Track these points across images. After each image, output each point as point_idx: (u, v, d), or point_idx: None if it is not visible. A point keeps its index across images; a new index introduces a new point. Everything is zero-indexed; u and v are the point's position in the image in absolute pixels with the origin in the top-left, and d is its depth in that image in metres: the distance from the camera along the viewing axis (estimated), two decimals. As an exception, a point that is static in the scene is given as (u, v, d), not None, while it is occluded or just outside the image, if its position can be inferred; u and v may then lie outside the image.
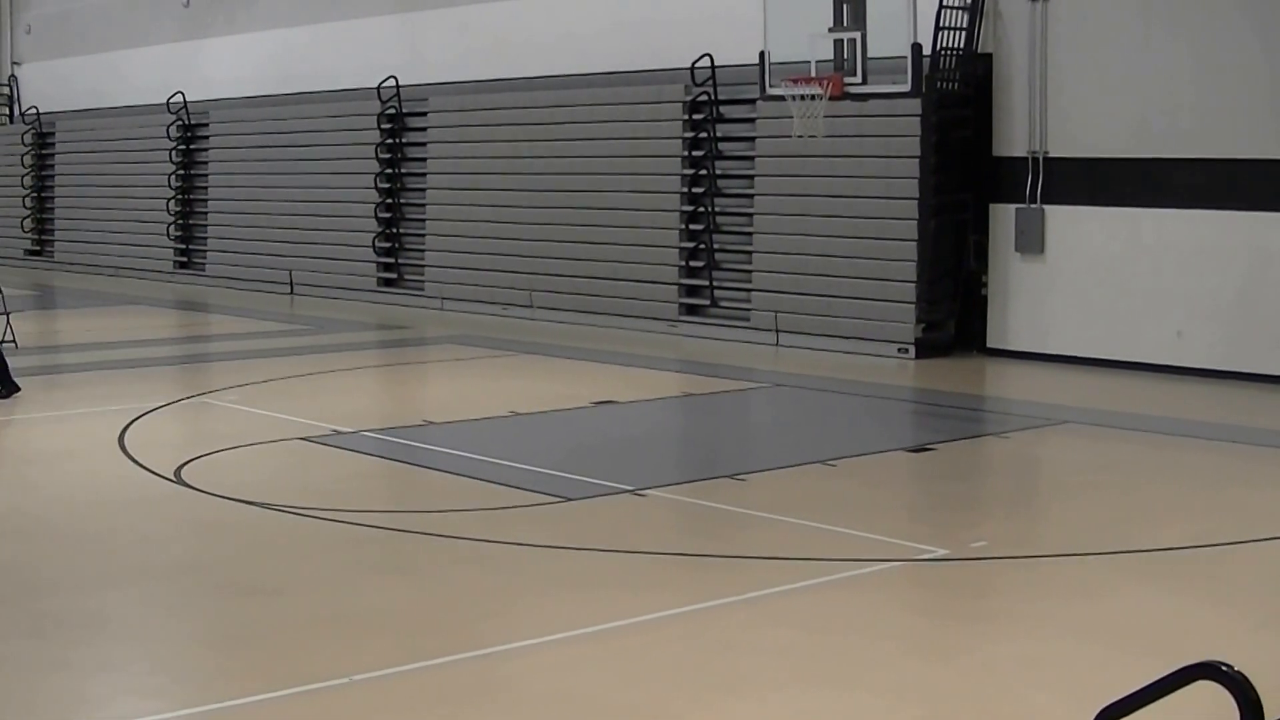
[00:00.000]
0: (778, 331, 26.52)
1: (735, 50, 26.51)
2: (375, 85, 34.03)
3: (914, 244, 24.97)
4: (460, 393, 22.08)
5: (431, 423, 19.11)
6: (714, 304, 27.98)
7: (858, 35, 22.52)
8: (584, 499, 14.88)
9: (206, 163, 40.09)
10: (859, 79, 22.79)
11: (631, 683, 9.69)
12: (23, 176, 47.19)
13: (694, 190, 28.29)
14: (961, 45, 24.97)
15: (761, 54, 23.76)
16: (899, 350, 24.95)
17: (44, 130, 47.26)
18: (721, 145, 28.21)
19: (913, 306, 24.99)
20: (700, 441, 19.67)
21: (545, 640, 10.45)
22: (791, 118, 23.49)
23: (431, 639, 10.57)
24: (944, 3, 24.55)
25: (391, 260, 34.07)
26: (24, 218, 47.18)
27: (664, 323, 28.04)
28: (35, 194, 47.12)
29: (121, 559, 12.95)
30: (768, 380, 23.12)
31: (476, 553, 12.84)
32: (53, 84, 47.48)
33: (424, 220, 33.41)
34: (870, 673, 9.86)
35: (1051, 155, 24.28)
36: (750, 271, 27.38)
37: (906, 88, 22.88)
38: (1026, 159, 24.47)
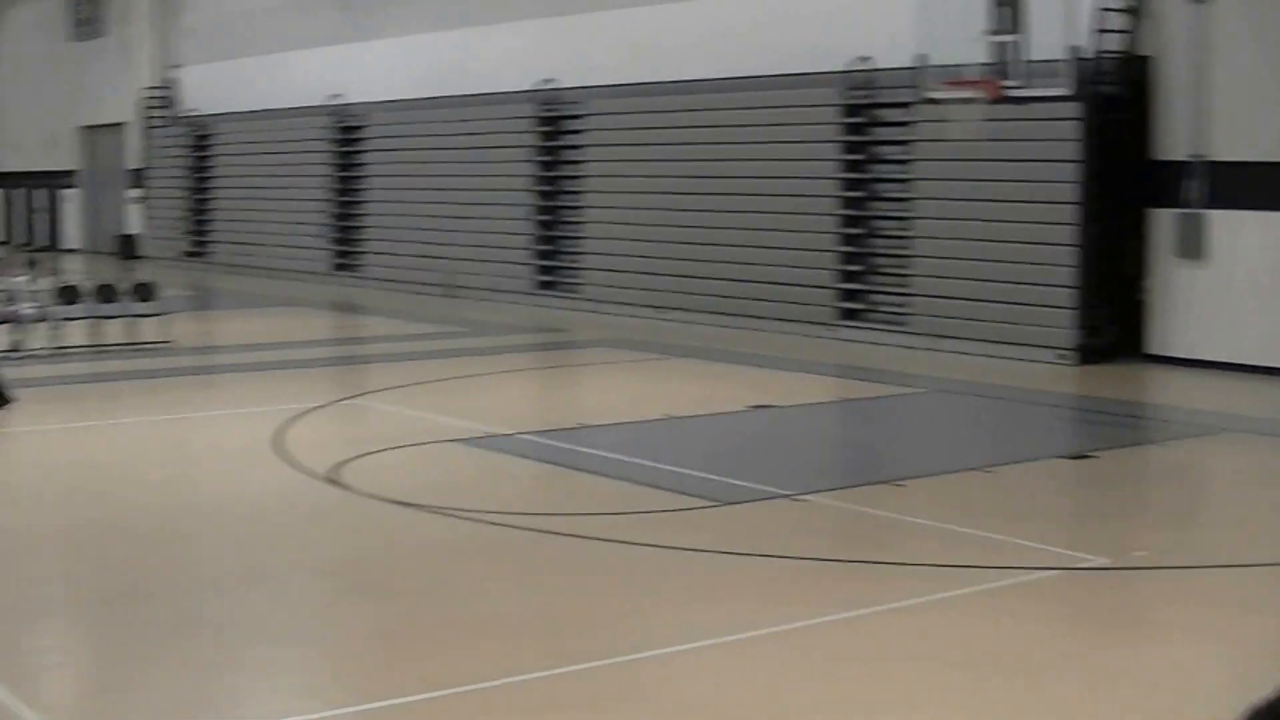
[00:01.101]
0: (935, 336, 26.28)
1: (892, 53, 26.35)
2: (532, 88, 34.15)
3: (1073, 249, 24.66)
4: (615, 396, 22.08)
5: (587, 426, 19.13)
6: (871, 308, 27.80)
7: (1017, 38, 22.31)
8: (739, 503, 14.82)
9: (364, 165, 40.43)
10: (1017, 82, 22.57)
11: (779, 692, 9.62)
12: (182, 178, 47.85)
13: (850, 194, 28.12)
14: (1120, 48, 24.64)
15: (918, 57, 23.58)
16: (1057, 356, 24.64)
17: (203, 132, 47.91)
18: (878, 149, 28.05)
19: (1072, 312, 24.68)
20: (857, 446, 19.54)
21: (696, 645, 10.41)
22: (949, 121, 23.31)
23: (581, 643, 10.56)
24: (1103, 5, 24.24)
25: (548, 263, 34.16)
26: (182, 220, 47.83)
27: (820, 326, 27.88)
28: (194, 196, 47.76)
29: (277, 558, 13.07)
30: (925, 385, 22.91)
31: (629, 556, 12.84)
32: (212, 86, 48.12)
33: (581, 223, 33.47)
34: (1024, 682, 9.74)
35: (1214, 159, 23.88)
36: (907, 276, 27.17)
37: (1065, 91, 22.64)
38: (1188, 163, 24.09)
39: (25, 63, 60.15)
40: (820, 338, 27.55)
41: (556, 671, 9.92)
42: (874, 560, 12.72)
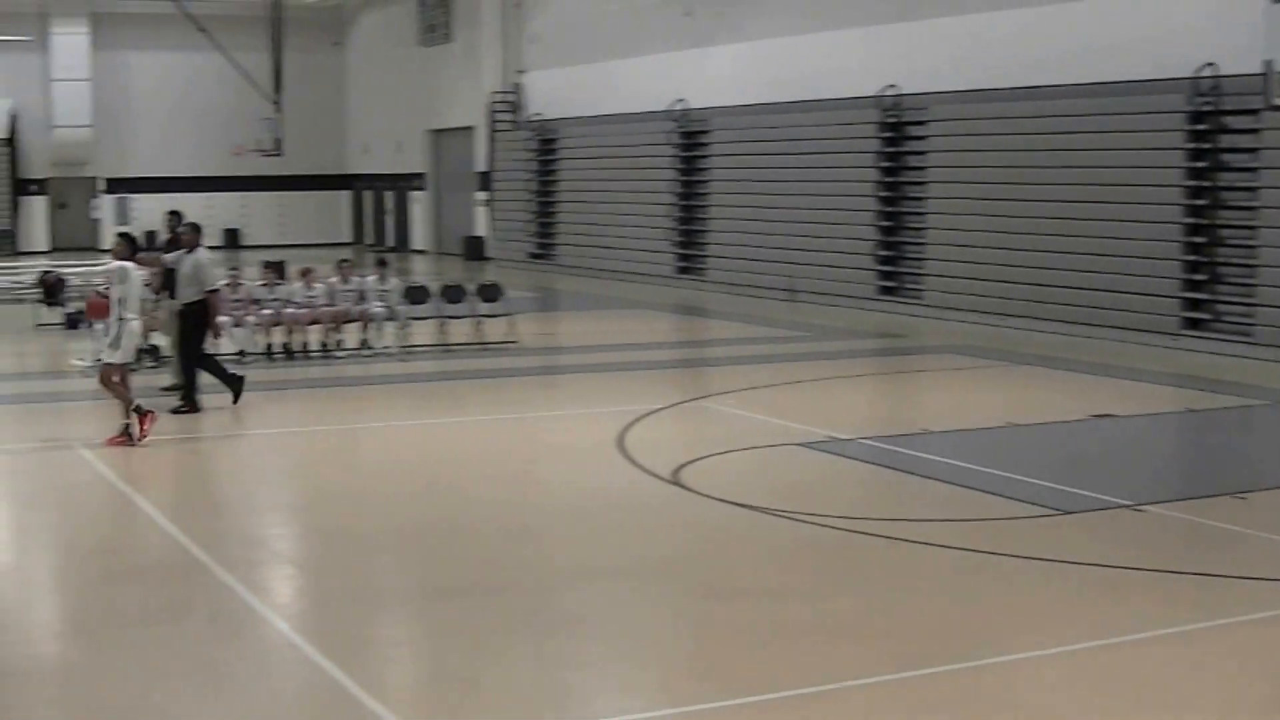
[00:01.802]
0: (1283, 347, 25.71)
1: (1239, 59, 25.84)
2: (875, 93, 34.15)
3: None
4: (957, 402, 22.00)
5: (929, 431, 19.12)
6: (1215, 318, 27.26)
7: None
8: (1081, 512, 14.72)
9: (707, 169, 40.77)
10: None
11: (1119, 704, 9.59)
12: (527, 181, 48.73)
13: (1194, 202, 27.61)
14: None
15: (1266, 64, 23.05)
16: None
17: (548, 136, 48.73)
18: (1223, 156, 27.49)
19: None
20: (1201, 458, 19.22)
21: (1033, 655, 10.41)
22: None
23: (921, 647, 10.62)
24: None
25: (891, 269, 34.11)
26: (528, 221, 48.69)
27: (1163, 336, 27.42)
28: (539, 199, 48.59)
29: (618, 557, 13.35)
30: (1271, 397, 22.33)
31: (968, 563, 12.86)
32: (557, 91, 48.94)
33: (923, 229, 33.36)
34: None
35: None
36: (1255, 286, 26.58)
37: None
38: None
39: (375, 67, 61.80)
40: (1163, 347, 27.08)
41: (898, 676, 10.01)
42: (1213, 573, 12.53)
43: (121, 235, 19.45)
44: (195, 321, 21.03)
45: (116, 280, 18.53)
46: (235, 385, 21.38)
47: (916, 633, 11.03)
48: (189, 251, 21.16)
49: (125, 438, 18.33)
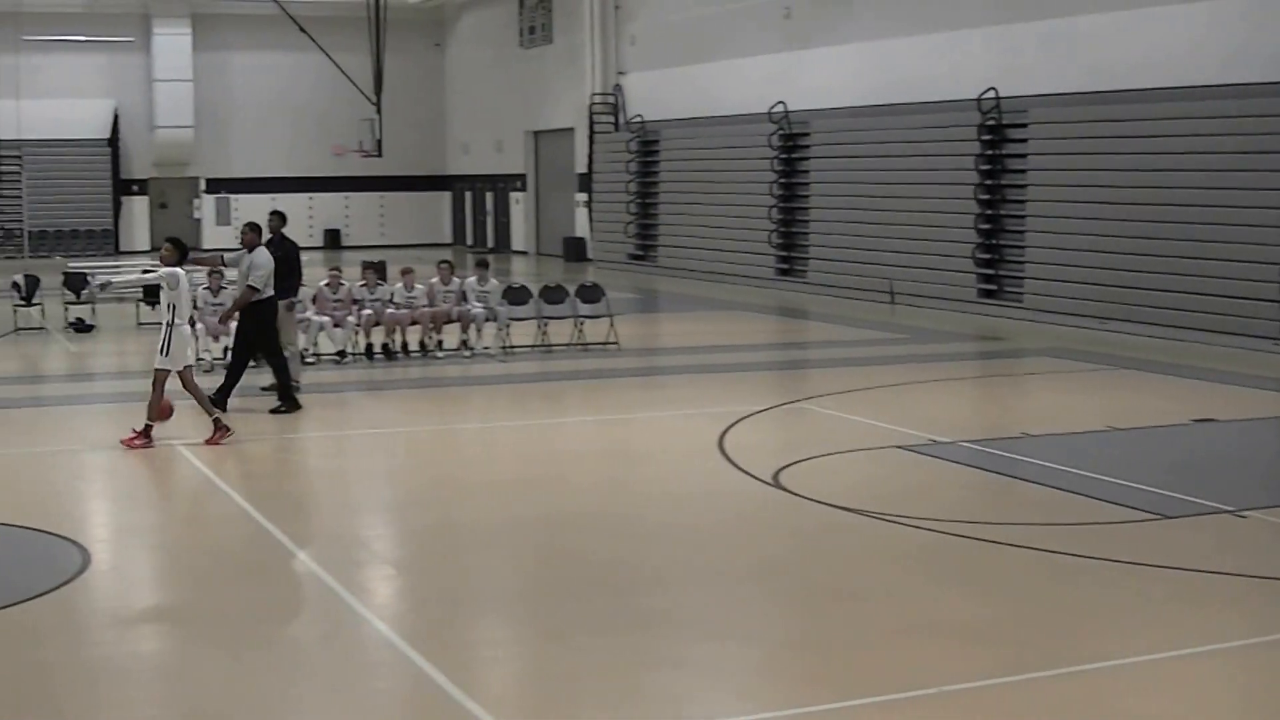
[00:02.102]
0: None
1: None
2: (975, 97, 33.99)
3: None
4: (1057, 406, 21.86)
5: (1028, 435, 19.01)
6: (1321, 321, 26.99)
7: None
8: (1181, 517, 14.60)
9: (808, 171, 40.69)
10: None
11: (1220, 712, 9.52)
12: (627, 183, 48.80)
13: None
14: None
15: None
16: None
17: (648, 138, 48.78)
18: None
19: None
20: (1305, 464, 19.05)
21: (1134, 660, 10.36)
22: None
23: (1020, 653, 10.58)
24: None
25: (991, 271, 33.92)
26: (628, 223, 48.76)
27: (1265, 340, 27.13)
28: (639, 200, 48.65)
29: (718, 559, 13.35)
30: (1380, 403, 22.13)
31: (1070, 567, 12.78)
32: (656, 93, 48.99)
33: (1023, 232, 33.17)
34: None
35: None
36: (1361, 288, 26.31)
37: None
38: None
39: (476, 68, 62.04)
40: (1265, 351, 26.75)
41: (999, 680, 9.97)
42: (1320, 581, 12.43)
43: (170, 240, 19.57)
44: (256, 321, 21.06)
45: (167, 286, 18.70)
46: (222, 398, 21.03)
47: (1018, 637, 10.98)
48: (249, 251, 21.22)
49: (224, 430, 18.61)
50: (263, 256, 21.14)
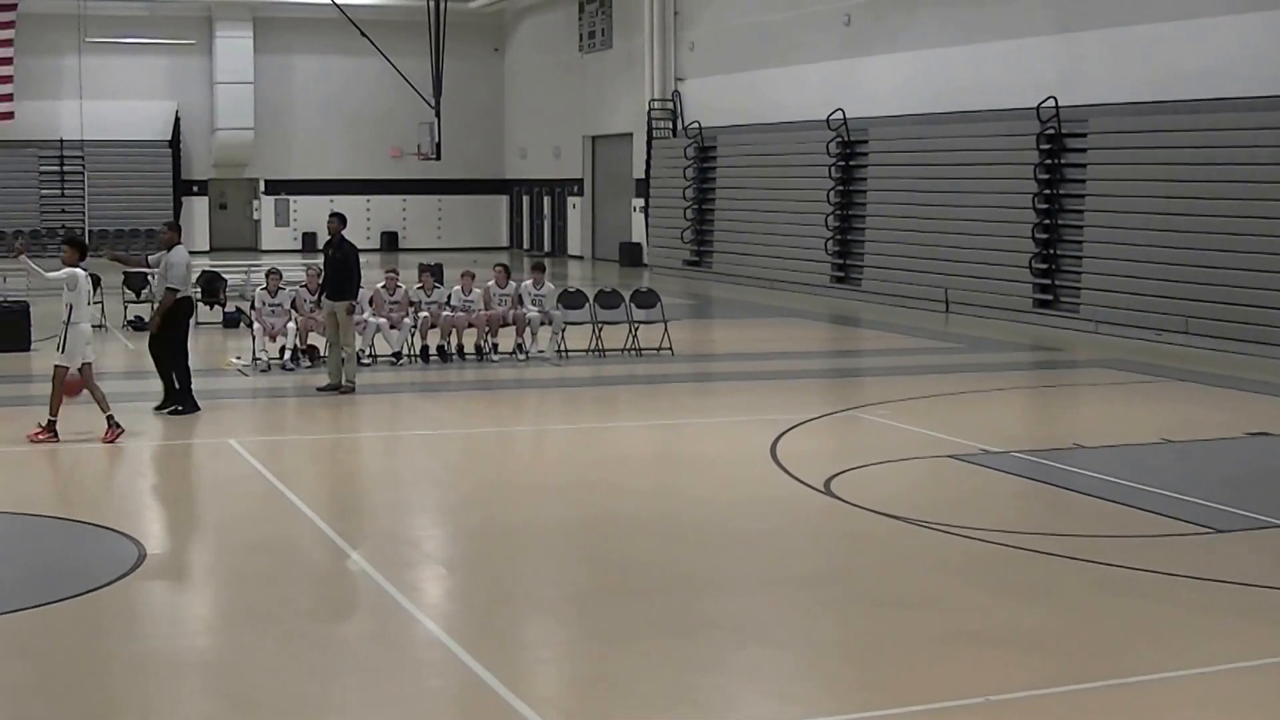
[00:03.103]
0: None
1: None
2: (1034, 105, 33.90)
3: None
4: (1111, 417, 21.78)
5: (1081, 446, 18.95)
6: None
7: None
8: (1235, 531, 14.54)
9: (865, 179, 40.63)
10: None
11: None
12: (684, 189, 48.82)
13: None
14: None
15: None
16: None
17: (705, 144, 48.79)
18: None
19: None
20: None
21: (1186, 673, 10.33)
22: None
23: (1069, 663, 10.56)
24: None
25: (1048, 282, 33.81)
26: (684, 229, 48.79)
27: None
28: (695, 206, 48.67)
29: (769, 565, 13.36)
30: None
31: (1120, 579, 12.75)
32: (714, 99, 49.00)
33: (1081, 242, 33.03)
34: None
35: None
36: None
37: None
38: None
39: (536, 72, 62.20)
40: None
41: (1049, 691, 9.96)
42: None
43: (68, 241, 19.88)
44: (172, 319, 21.08)
45: (66, 287, 18.95)
46: (185, 402, 21.12)
47: (1070, 648, 10.96)
48: (167, 250, 21.22)
49: (117, 429, 18.95)
50: (178, 255, 21.14)
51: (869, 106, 40.38)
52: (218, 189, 62.12)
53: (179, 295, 20.99)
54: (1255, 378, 25.08)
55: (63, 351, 18.86)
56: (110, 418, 18.91)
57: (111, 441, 18.69)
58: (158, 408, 20.97)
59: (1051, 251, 33.81)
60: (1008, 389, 24.45)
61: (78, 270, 19.07)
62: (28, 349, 26.98)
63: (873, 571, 13.19)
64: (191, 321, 22.34)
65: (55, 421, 18.79)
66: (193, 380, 21.14)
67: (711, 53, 49.48)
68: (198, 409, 20.96)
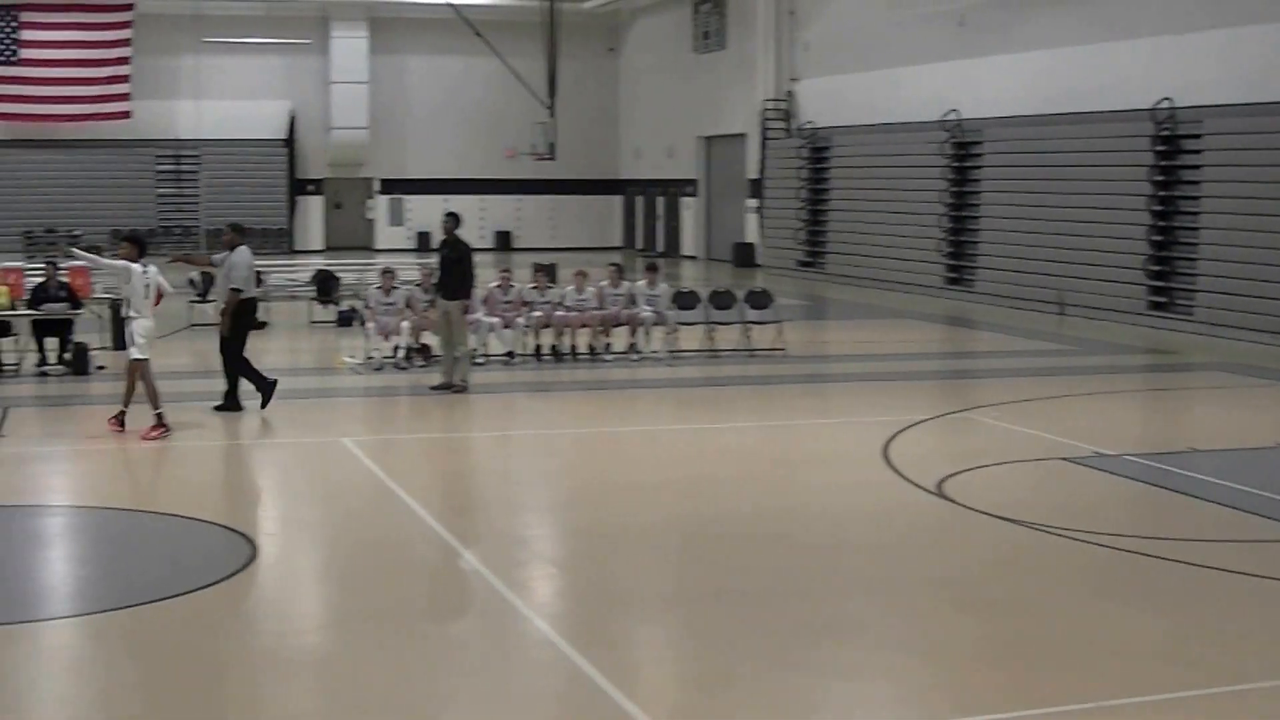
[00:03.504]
0: None
1: None
2: (1149, 106, 33.60)
3: None
4: (1226, 421, 21.56)
5: (1197, 450, 18.78)
6: None
7: None
8: (1354, 538, 14.40)
9: (978, 180, 40.42)
10: None
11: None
12: (798, 189, 48.75)
13: None
14: None
15: None
16: None
17: (819, 144, 48.70)
18: None
19: None
20: None
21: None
22: None
23: (1182, 671, 10.48)
24: None
25: (1162, 284, 33.51)
26: (798, 229, 48.71)
27: None
28: (809, 206, 48.59)
29: (878, 567, 13.32)
30: None
31: (1235, 586, 12.62)
32: (829, 99, 48.88)
33: (1196, 244, 32.72)
34: None
35: None
36: None
37: None
38: None
39: (649, 73, 62.22)
40: None
41: (1167, 697, 9.90)
42: None
43: (127, 238, 20.04)
44: (234, 321, 21.10)
45: (122, 280, 19.27)
46: (266, 390, 21.21)
47: (1187, 655, 10.87)
48: (230, 251, 21.22)
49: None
50: (241, 256, 21.19)
51: (983, 107, 40.16)
52: (332, 188, 62.53)
53: (242, 296, 21.08)
54: (1375, 382, 24.79)
55: (135, 345, 19.14)
56: (159, 415, 19.09)
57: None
58: (218, 407, 21.06)
59: (1166, 253, 33.51)
60: (1121, 392, 24.27)
61: (133, 265, 19.24)
62: (125, 348, 27.26)
63: (982, 575, 13.10)
64: (253, 321, 22.31)
65: (163, 414, 18.99)
66: (265, 381, 21.18)
67: (826, 53, 49.37)
68: (240, 409, 20.97)
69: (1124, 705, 9.71)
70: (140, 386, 19.12)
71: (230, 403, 20.99)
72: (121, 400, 19.30)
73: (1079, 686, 10.05)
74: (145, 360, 19.15)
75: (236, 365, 21.10)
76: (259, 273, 22.15)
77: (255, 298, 21.92)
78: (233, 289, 21.00)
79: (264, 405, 21.03)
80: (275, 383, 21.19)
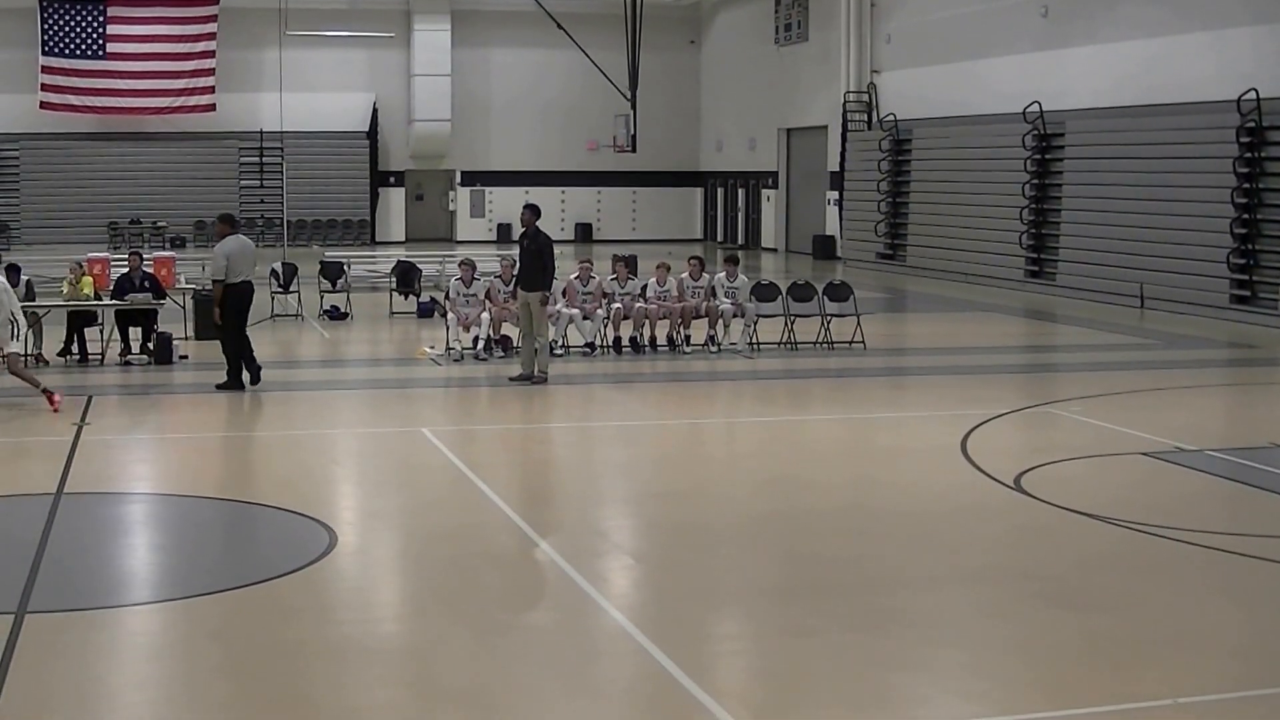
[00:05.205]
0: None
1: None
2: (1235, 98, 33.36)
3: None
4: (1310, 416, 21.46)
5: (1278, 446, 18.64)
6: None
7: None
8: None
9: (1061, 172, 40.22)
10: None
11: None
12: (878, 182, 48.66)
13: None
14: None
15: None
16: None
17: (901, 137, 48.59)
18: None
19: None
20: None
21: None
22: None
23: (1264, 667, 10.42)
24: None
25: (1245, 278, 33.26)
26: (878, 222, 48.62)
27: None
28: (890, 199, 48.48)
29: (957, 561, 13.29)
30: None
31: (1320, 583, 12.57)
32: (910, 91, 48.76)
33: (1281, 238, 32.50)
34: None
35: None
36: None
37: None
38: None
39: (732, 65, 62.23)
40: None
41: (1240, 695, 9.84)
42: None
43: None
44: (222, 308, 22.07)
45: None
46: (254, 373, 22.35)
47: (1261, 651, 10.80)
48: (219, 240, 22.56)
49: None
50: (220, 247, 22.30)
51: (1066, 99, 39.95)
52: (414, 180, 62.85)
53: (225, 284, 22.01)
54: None
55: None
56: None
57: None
58: (220, 385, 22.19)
59: (1250, 247, 33.27)
60: (1203, 386, 24.11)
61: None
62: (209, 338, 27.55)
63: (1061, 570, 13.02)
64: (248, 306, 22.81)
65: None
66: (255, 365, 22.32)
67: (908, 45, 49.24)
68: (241, 388, 22.03)
69: (1199, 703, 9.67)
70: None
71: (233, 381, 22.14)
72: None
73: (1159, 682, 10.00)
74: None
75: (235, 347, 22.23)
76: (252, 257, 22.80)
77: (241, 283, 22.32)
78: (215, 280, 22.22)
79: (254, 381, 22.26)
80: (260, 370, 22.42)
